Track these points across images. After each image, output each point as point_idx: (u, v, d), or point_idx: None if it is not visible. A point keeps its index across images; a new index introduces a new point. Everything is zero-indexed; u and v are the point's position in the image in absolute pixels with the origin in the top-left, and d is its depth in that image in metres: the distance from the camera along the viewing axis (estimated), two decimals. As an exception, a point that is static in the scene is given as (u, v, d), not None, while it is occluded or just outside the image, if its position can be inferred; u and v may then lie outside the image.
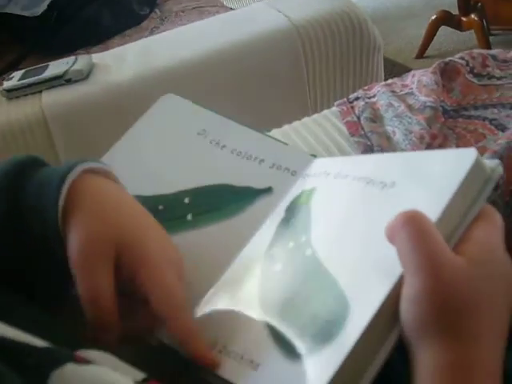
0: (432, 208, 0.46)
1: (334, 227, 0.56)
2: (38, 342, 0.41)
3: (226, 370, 0.51)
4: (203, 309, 0.60)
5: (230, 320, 0.56)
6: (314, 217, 0.58)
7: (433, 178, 0.51)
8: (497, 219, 0.47)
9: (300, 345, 0.48)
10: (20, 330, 0.42)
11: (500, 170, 0.49)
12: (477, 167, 0.48)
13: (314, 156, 0.68)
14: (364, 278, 0.48)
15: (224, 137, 0.73)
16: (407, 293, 0.42)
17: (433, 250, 0.42)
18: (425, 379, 0.41)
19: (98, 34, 2.03)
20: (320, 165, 0.66)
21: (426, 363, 0.41)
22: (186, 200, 0.69)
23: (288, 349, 0.49)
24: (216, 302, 0.60)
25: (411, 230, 0.43)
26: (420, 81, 0.94)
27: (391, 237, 0.45)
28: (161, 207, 0.69)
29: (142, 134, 0.77)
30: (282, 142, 0.73)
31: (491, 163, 0.50)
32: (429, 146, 0.83)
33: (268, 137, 0.74)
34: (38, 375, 0.37)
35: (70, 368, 0.39)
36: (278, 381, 0.48)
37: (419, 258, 0.42)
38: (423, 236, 0.43)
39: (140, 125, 0.78)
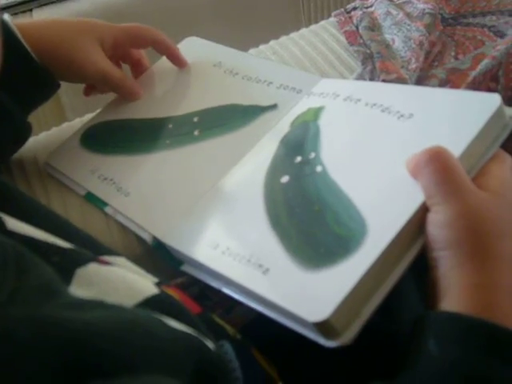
0: (453, 146, 0.47)
1: (348, 149, 0.56)
2: (63, 243, 0.43)
3: (233, 272, 0.51)
4: (201, 209, 0.61)
5: (232, 223, 0.57)
6: (324, 136, 0.59)
7: (455, 117, 0.52)
8: (508, 160, 0.50)
9: (314, 256, 0.48)
10: (46, 232, 0.43)
11: None
12: (498, 112, 0.49)
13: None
14: (383, 201, 0.49)
15: (237, 66, 0.77)
16: (437, 219, 0.44)
17: (459, 182, 0.44)
18: (453, 297, 0.43)
19: None
20: (327, 85, 0.66)
21: (456, 282, 0.43)
22: (195, 119, 0.72)
23: (301, 258, 0.48)
24: (215, 203, 0.60)
25: (438, 164, 0.45)
26: (418, -12, 0.93)
27: (415, 171, 0.47)
28: (170, 126, 0.73)
29: (163, 69, 0.82)
30: (291, 67, 0.77)
31: (509, 111, 0.51)
32: (428, 54, 0.83)
33: (279, 64, 0.79)
34: (64, 271, 0.38)
35: (93, 267, 0.40)
36: (289, 288, 0.47)
37: (447, 189, 0.44)
38: (450, 170, 0.45)
39: (162, 61, 0.83)
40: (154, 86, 0.80)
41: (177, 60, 0.79)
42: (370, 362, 0.53)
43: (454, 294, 0.43)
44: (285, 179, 0.57)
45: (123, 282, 0.40)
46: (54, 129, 0.85)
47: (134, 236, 0.67)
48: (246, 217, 0.56)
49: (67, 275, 0.38)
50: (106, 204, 0.69)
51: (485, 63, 0.78)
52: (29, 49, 0.68)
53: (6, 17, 0.69)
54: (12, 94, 0.69)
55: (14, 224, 0.41)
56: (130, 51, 0.80)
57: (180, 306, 0.44)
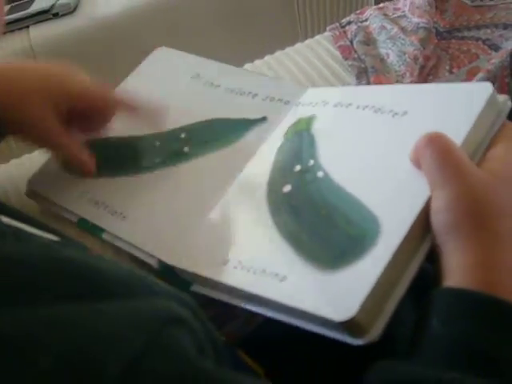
0: (453, 137, 0.47)
1: (346, 151, 0.55)
2: (54, 237, 0.43)
3: (249, 284, 0.50)
4: (206, 228, 0.59)
5: (240, 237, 0.56)
6: (320, 143, 0.58)
7: (450, 109, 0.51)
8: None
9: (330, 258, 0.47)
10: (34, 227, 0.43)
11: (509, 104, 0.51)
12: (492, 100, 0.49)
13: (307, 87, 0.68)
14: (391, 196, 0.49)
15: (217, 78, 0.74)
16: (437, 205, 0.44)
17: (459, 164, 0.44)
18: (455, 277, 0.42)
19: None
20: (315, 94, 0.65)
21: (457, 263, 0.43)
22: (183, 135, 0.69)
23: (317, 262, 0.48)
24: (219, 221, 0.59)
25: (436, 147, 0.45)
26: (412, 3, 0.92)
27: (416, 158, 0.47)
28: (157, 143, 0.70)
29: (137, 83, 0.78)
30: (273, 78, 0.75)
31: (501, 98, 0.51)
32: (422, 68, 0.83)
33: (260, 74, 0.77)
34: None
35: None
36: (310, 291, 0.47)
37: (447, 171, 0.44)
38: (448, 152, 0.45)
39: (135, 75, 0.80)
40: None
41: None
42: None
43: (455, 275, 0.42)
44: (287, 188, 0.56)
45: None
46: (36, 152, 0.81)
47: (128, 259, 0.64)
48: (253, 230, 0.56)
49: None
50: (102, 230, 0.65)
51: (480, 77, 0.78)
52: None
53: None
54: None
55: (8, 221, 0.41)
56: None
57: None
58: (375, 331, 0.43)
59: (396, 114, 0.54)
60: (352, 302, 0.43)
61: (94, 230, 0.66)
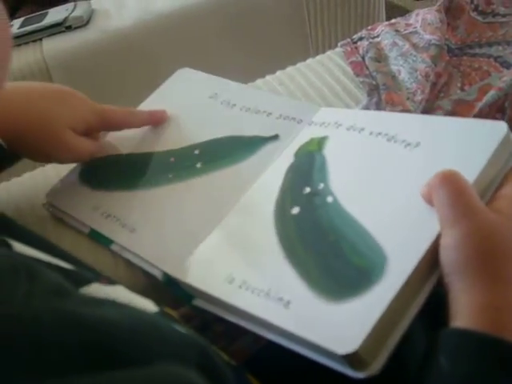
0: (464, 174, 0.47)
1: (357, 179, 0.56)
2: (65, 265, 0.43)
3: (253, 306, 0.50)
4: (212, 243, 0.60)
5: (245, 256, 0.56)
6: (331, 166, 0.58)
7: (462, 145, 0.52)
8: None
9: (337, 288, 0.47)
10: (49, 255, 0.44)
11: None
12: (506, 140, 0.50)
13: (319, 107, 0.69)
14: (399, 229, 0.49)
15: (234, 97, 0.76)
16: (448, 243, 0.44)
17: (471, 204, 0.45)
18: (463, 317, 0.42)
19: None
20: (328, 115, 0.66)
21: (466, 303, 0.43)
22: (196, 151, 0.71)
23: (322, 290, 0.48)
24: (226, 237, 0.60)
25: (450, 187, 0.46)
26: (424, 19, 0.93)
27: (428, 194, 0.48)
28: (172, 159, 0.72)
29: (158, 101, 0.82)
30: (289, 97, 0.78)
31: None
32: (434, 85, 0.83)
33: (275, 94, 0.79)
34: None
35: (95, 286, 0.41)
36: (314, 321, 0.47)
37: (458, 210, 0.45)
38: (461, 191, 0.45)
39: (157, 93, 0.83)
40: None
41: (156, 121, 0.78)
42: None
43: (464, 315, 0.42)
44: (295, 210, 0.56)
45: (125, 300, 0.41)
46: (48, 166, 0.83)
47: (140, 271, 0.65)
48: (259, 249, 0.56)
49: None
50: (111, 241, 0.67)
51: (491, 94, 0.78)
52: None
53: None
54: None
55: (20, 247, 0.42)
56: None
57: (180, 323, 0.45)
58: (376, 365, 0.43)
59: (409, 144, 0.54)
60: (355, 336, 0.43)
61: (104, 241, 0.68)
